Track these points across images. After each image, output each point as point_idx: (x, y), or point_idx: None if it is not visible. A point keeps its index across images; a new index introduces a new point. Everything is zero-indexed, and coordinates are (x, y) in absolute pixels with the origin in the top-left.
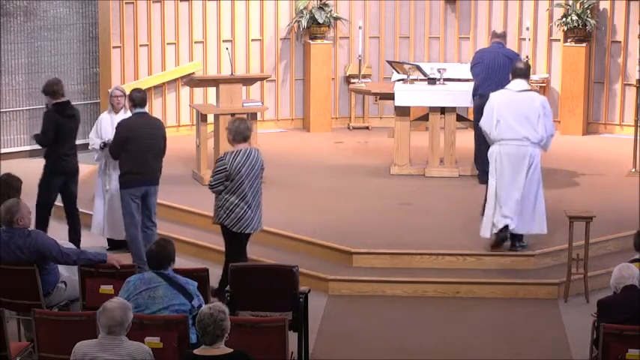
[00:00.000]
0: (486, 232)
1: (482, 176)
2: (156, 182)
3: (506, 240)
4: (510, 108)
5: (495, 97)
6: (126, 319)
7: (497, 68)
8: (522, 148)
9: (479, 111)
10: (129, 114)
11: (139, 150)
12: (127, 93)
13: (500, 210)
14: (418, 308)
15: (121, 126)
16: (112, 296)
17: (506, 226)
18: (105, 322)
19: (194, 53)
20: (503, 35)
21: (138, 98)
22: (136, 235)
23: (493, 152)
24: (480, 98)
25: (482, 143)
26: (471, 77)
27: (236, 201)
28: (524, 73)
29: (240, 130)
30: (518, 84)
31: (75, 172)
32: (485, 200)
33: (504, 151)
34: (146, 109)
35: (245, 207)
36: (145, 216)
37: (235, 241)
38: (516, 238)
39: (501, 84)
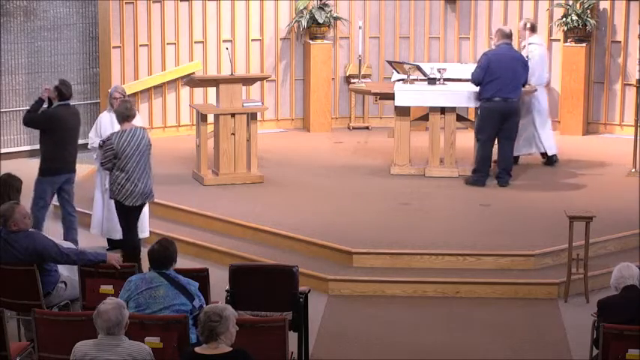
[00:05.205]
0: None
1: (471, 178)
2: (75, 170)
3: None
4: None
5: None
6: (122, 318)
7: (509, 71)
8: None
9: (485, 115)
10: None
11: (62, 139)
12: (126, 94)
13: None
14: (418, 308)
15: (49, 117)
16: (113, 296)
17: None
18: (102, 324)
19: (194, 53)
20: (511, 35)
21: (68, 92)
22: (43, 216)
23: None
24: (487, 102)
25: (483, 144)
26: (471, 78)
27: (125, 177)
28: None
29: (121, 111)
30: None
31: None
32: None
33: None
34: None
35: (135, 181)
36: (66, 202)
37: (125, 215)
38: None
39: (514, 87)
